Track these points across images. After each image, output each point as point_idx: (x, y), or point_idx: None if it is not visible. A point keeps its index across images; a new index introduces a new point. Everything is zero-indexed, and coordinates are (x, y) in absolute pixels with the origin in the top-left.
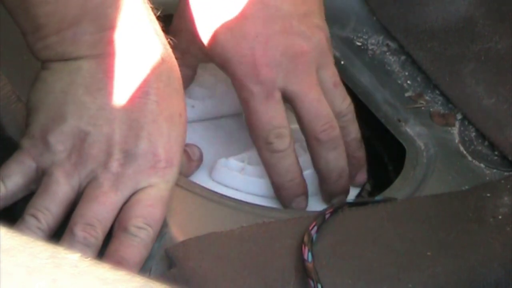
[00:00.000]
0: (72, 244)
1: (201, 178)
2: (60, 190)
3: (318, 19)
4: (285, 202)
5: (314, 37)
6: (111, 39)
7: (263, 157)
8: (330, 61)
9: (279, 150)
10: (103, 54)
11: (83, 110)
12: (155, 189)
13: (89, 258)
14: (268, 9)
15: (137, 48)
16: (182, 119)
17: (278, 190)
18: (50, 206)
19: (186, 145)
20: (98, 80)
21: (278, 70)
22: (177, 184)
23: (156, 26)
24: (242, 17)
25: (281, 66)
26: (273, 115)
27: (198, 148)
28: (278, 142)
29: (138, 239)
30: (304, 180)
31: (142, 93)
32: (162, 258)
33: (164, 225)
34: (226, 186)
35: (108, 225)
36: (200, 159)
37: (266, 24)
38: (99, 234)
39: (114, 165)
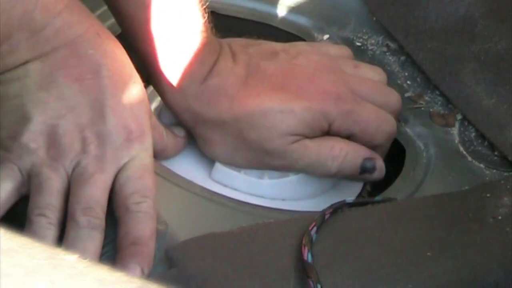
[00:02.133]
0: (78, 231)
1: (200, 178)
2: (53, 183)
3: None
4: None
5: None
6: (46, 38)
7: (387, 147)
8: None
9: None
10: (43, 52)
11: (43, 105)
12: (137, 160)
13: (87, 260)
14: None
15: (74, 35)
16: (137, 85)
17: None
18: (52, 201)
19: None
20: (47, 75)
21: None
22: (177, 184)
23: (83, 6)
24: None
25: None
26: (375, 110)
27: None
28: (394, 124)
29: (141, 213)
30: None
31: (92, 73)
32: (162, 259)
33: (164, 225)
34: (225, 186)
35: (105, 204)
36: (186, 136)
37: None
38: (100, 214)
39: (92, 148)
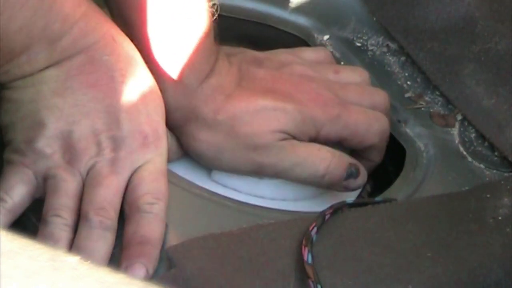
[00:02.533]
0: (90, 231)
1: (200, 178)
2: (69, 185)
3: None
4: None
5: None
6: (63, 47)
7: (382, 145)
8: None
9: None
10: (60, 60)
11: (58, 112)
12: (152, 164)
13: (88, 262)
14: None
15: (90, 42)
16: (153, 90)
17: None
18: (67, 203)
19: None
20: (62, 81)
21: None
22: (177, 185)
23: (100, 11)
24: None
25: None
26: (362, 111)
27: None
28: (385, 123)
29: (152, 214)
30: None
31: (107, 79)
32: (162, 259)
33: (164, 225)
34: (225, 186)
35: (118, 207)
36: None
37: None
38: (113, 215)
39: (106, 152)
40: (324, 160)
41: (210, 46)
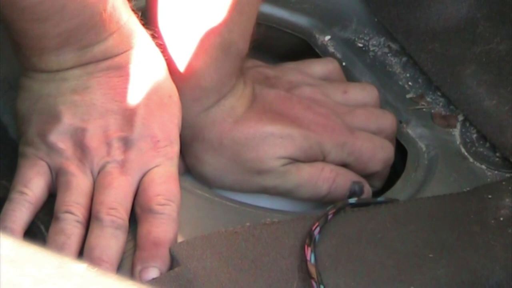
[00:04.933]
0: (102, 230)
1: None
2: (81, 183)
3: None
4: None
5: None
6: (93, 54)
7: (386, 172)
8: None
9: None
10: (87, 63)
11: (75, 109)
12: (162, 168)
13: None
14: None
15: (119, 52)
16: (173, 99)
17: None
18: (78, 200)
19: None
20: (84, 81)
21: None
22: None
23: (137, 23)
24: None
25: None
26: (368, 138)
27: None
28: (390, 150)
29: (165, 215)
30: None
31: (128, 84)
32: None
33: None
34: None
35: (129, 207)
36: None
37: None
38: (124, 215)
39: (117, 153)
40: (327, 180)
41: (235, 70)
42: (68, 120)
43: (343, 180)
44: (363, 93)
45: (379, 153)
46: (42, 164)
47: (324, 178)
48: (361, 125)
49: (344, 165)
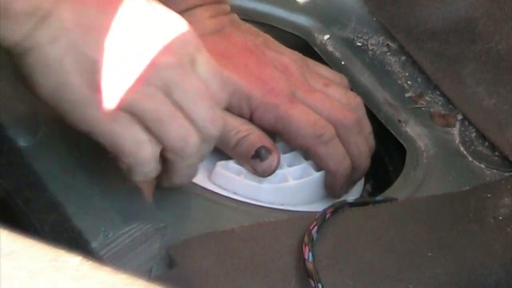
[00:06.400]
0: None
1: (200, 180)
2: None
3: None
4: (338, 190)
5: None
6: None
7: (319, 152)
8: None
9: (331, 138)
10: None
11: None
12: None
13: (90, 262)
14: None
15: None
16: None
17: (334, 179)
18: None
19: None
20: None
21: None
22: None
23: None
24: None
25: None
26: (306, 112)
27: None
28: (327, 131)
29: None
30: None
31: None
32: (163, 258)
33: (165, 225)
34: (224, 189)
35: None
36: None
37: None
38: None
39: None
40: (240, 132)
41: None
42: None
43: (254, 139)
44: (346, 97)
45: (308, 128)
46: None
47: (239, 131)
48: (310, 104)
49: (274, 131)
